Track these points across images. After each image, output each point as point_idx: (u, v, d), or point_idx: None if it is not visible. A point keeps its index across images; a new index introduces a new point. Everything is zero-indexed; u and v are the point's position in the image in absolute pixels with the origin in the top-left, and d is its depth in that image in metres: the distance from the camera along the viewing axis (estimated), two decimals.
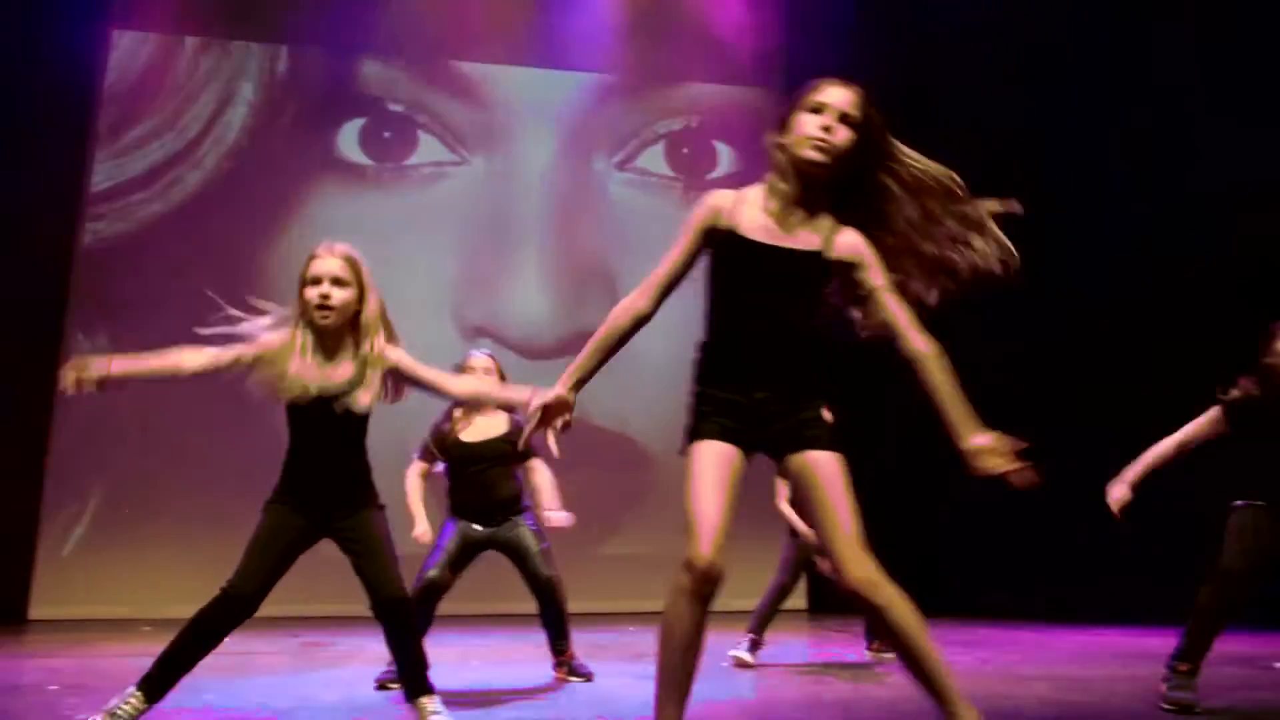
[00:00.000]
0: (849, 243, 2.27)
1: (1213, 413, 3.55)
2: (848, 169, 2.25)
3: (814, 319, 2.30)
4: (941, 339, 2.21)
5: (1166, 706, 3.24)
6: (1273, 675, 4.08)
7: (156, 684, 2.77)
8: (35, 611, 7.22)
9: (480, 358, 4.17)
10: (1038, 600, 7.07)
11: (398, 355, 2.95)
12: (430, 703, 2.97)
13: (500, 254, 8.76)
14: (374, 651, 4.15)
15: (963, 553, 7.87)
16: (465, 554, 3.98)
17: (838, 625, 6.81)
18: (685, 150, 9.15)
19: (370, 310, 2.92)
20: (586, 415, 8.47)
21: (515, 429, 4.00)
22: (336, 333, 2.90)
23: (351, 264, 2.91)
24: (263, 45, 8.63)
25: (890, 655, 4.31)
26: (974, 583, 7.69)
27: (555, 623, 4.09)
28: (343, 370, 2.89)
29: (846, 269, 2.27)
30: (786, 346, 2.26)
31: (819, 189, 2.27)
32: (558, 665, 4.14)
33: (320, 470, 2.90)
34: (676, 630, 2.12)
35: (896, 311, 2.25)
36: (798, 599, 8.70)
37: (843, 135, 2.22)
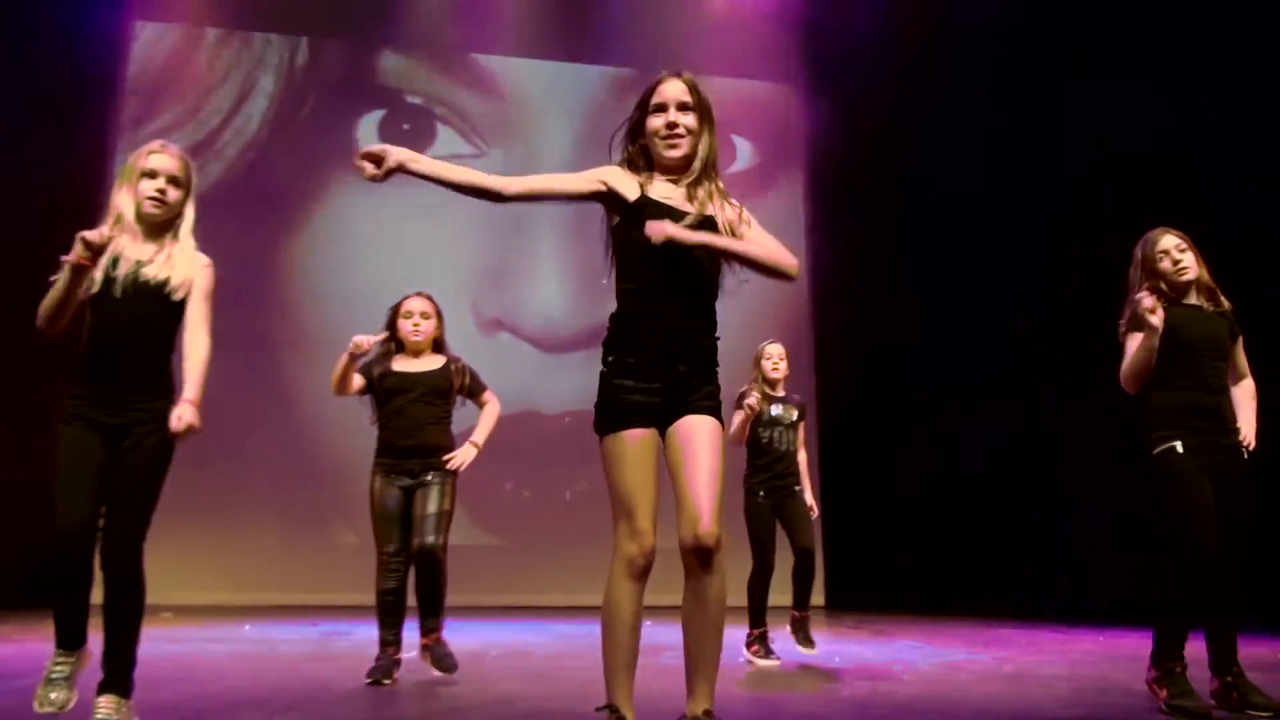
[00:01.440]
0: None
1: (1126, 342, 3.32)
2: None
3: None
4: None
5: (1176, 716, 3.08)
6: None
7: (64, 635, 2.71)
8: None
9: (417, 300, 4.09)
10: (1058, 600, 7.02)
11: (208, 276, 2.83)
12: (116, 709, 2.61)
13: (518, 248, 8.76)
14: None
15: (981, 553, 7.83)
16: None
17: (854, 622, 6.78)
18: None
19: (188, 220, 2.85)
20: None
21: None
22: (154, 230, 2.81)
23: (188, 168, 2.87)
24: (282, 37, 8.67)
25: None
26: (992, 582, 7.65)
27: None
28: (155, 257, 2.77)
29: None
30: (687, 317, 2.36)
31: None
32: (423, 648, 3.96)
33: (119, 367, 2.70)
34: (624, 611, 2.26)
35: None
36: (815, 595, 8.67)
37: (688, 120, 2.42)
